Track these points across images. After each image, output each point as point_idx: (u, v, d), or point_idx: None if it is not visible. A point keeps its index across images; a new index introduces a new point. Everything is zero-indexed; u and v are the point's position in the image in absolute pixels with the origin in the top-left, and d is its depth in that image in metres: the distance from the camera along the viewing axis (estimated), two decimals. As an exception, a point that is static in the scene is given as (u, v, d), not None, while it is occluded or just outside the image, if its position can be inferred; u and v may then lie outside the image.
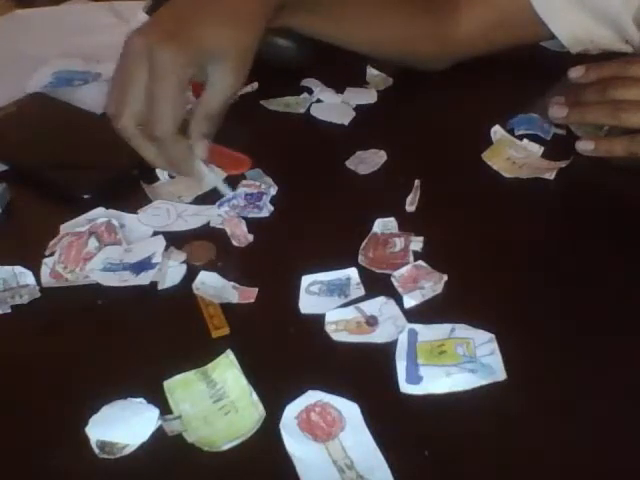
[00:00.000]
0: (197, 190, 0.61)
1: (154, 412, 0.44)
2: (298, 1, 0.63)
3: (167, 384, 0.46)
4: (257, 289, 0.53)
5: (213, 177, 0.59)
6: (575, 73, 0.66)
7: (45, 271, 0.54)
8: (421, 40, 0.75)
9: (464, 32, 0.76)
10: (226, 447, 0.43)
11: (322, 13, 0.67)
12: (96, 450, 0.43)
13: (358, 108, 0.74)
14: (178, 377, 0.46)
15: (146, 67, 0.52)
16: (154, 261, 0.54)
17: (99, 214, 0.59)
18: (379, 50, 0.75)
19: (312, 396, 0.45)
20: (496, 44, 0.78)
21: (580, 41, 0.78)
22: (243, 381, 0.46)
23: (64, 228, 0.58)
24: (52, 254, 0.55)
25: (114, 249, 0.55)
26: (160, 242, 0.56)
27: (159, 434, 0.43)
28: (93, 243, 0.55)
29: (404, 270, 0.54)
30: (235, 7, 0.56)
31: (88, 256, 0.55)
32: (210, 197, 0.61)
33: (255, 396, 0.45)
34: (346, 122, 0.72)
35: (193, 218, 0.59)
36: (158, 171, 0.62)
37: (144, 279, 0.52)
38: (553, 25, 0.76)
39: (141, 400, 0.45)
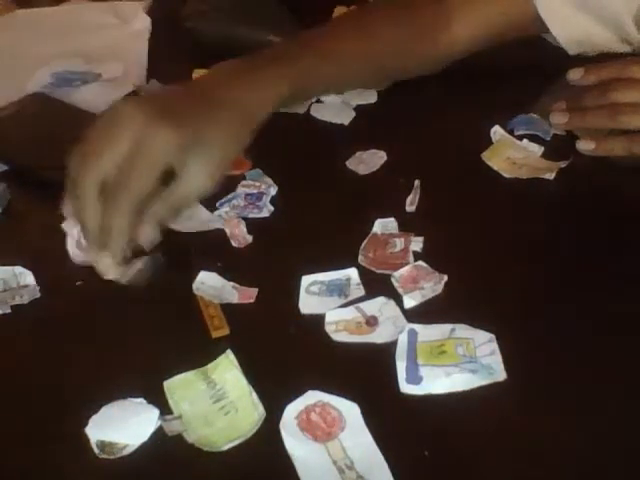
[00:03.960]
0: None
1: (154, 412, 0.44)
2: (298, 91, 0.60)
3: (167, 384, 0.46)
4: (257, 289, 0.53)
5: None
6: (575, 74, 0.66)
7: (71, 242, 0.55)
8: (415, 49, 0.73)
9: (458, 36, 0.75)
10: (226, 447, 0.43)
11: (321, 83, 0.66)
12: (96, 450, 0.43)
13: (358, 108, 0.74)
14: (178, 377, 0.46)
15: (133, 138, 0.48)
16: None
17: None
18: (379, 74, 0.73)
19: (312, 396, 0.45)
20: (490, 43, 0.78)
21: (579, 43, 0.78)
22: (243, 381, 0.46)
23: (65, 226, 0.58)
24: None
25: None
26: None
27: (159, 434, 0.43)
28: None
29: (404, 270, 0.54)
30: (234, 114, 0.54)
31: None
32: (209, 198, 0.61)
33: (255, 396, 0.45)
34: (346, 122, 0.72)
35: (192, 219, 0.60)
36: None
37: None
38: (553, 27, 0.76)
39: (141, 400, 0.45)
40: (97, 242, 0.49)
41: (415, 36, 0.71)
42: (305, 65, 0.60)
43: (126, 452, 0.43)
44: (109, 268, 0.50)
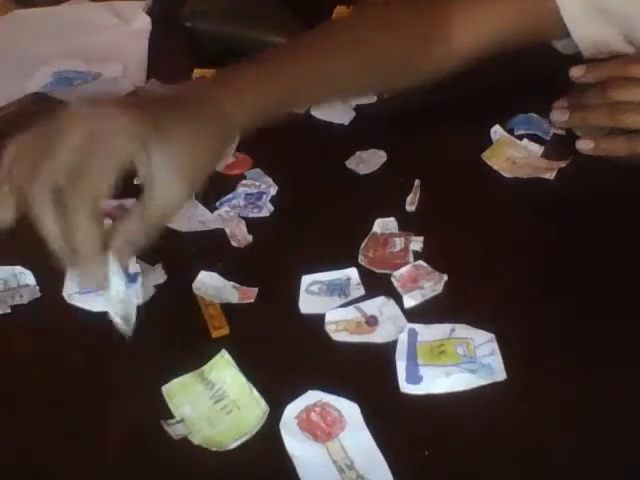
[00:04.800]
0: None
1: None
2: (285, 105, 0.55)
3: (166, 389, 0.46)
4: (257, 289, 0.53)
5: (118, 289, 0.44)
6: (576, 72, 0.66)
7: None
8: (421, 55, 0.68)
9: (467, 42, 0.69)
10: (233, 446, 0.43)
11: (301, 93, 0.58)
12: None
13: (358, 108, 0.74)
14: (176, 381, 0.46)
15: (84, 132, 0.42)
16: (132, 271, 0.50)
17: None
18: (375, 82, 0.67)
19: (312, 396, 0.45)
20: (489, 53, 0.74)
21: (596, 45, 0.76)
22: (242, 379, 0.46)
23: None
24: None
25: None
26: None
27: (165, 437, 0.43)
28: (107, 222, 0.56)
29: (404, 270, 0.54)
30: (208, 116, 0.47)
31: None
32: (209, 198, 0.61)
33: (256, 392, 0.45)
34: (346, 122, 0.72)
35: (192, 219, 0.60)
36: None
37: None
38: (575, 31, 0.74)
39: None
40: (70, 259, 0.43)
41: (410, 50, 0.66)
42: (294, 79, 0.55)
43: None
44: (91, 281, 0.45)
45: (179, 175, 0.44)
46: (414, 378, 0.46)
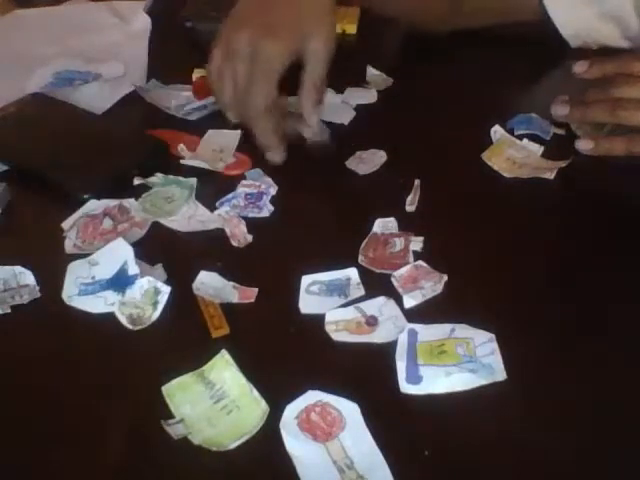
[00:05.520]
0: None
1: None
2: None
3: (166, 389, 0.46)
4: (257, 289, 0.53)
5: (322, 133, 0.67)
6: (579, 68, 0.66)
7: (69, 243, 0.57)
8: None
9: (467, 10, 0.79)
10: (233, 446, 0.43)
11: None
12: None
13: (358, 108, 0.74)
14: (176, 381, 0.46)
15: (249, 59, 0.61)
16: (131, 273, 0.52)
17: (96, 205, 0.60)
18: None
19: (312, 396, 0.45)
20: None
21: (580, 36, 0.79)
22: (242, 379, 0.46)
23: (66, 225, 0.58)
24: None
25: (77, 264, 0.54)
26: (123, 246, 0.54)
27: (165, 437, 0.43)
28: (108, 222, 0.57)
29: (404, 270, 0.54)
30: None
31: (105, 232, 0.57)
32: (209, 198, 0.61)
33: (256, 392, 0.45)
34: (346, 122, 0.72)
35: (192, 219, 0.60)
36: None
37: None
38: (556, 18, 0.77)
39: None
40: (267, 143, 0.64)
41: None
42: None
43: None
44: (275, 156, 0.64)
45: (324, 43, 0.63)
46: (414, 378, 0.46)
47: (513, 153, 0.67)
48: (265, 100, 0.61)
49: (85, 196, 0.61)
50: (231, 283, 0.54)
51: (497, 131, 0.70)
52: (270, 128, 0.63)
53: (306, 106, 0.64)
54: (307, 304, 0.52)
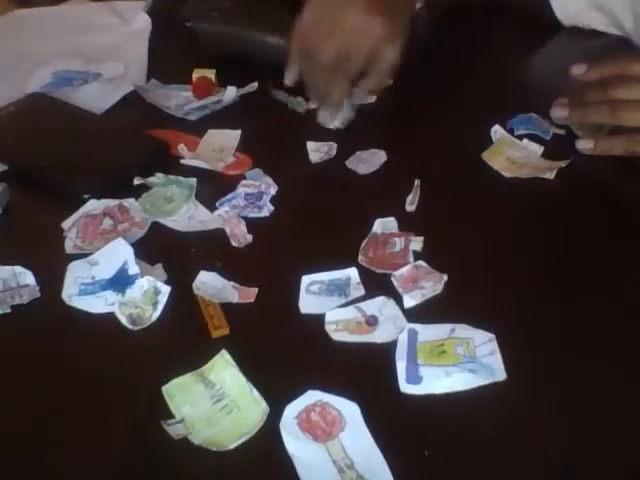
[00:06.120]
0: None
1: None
2: None
3: (166, 389, 0.46)
4: (257, 289, 0.53)
5: (348, 114, 0.71)
6: (577, 70, 0.67)
7: (69, 243, 0.57)
8: None
9: None
10: (233, 446, 0.43)
11: None
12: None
13: (358, 108, 0.74)
14: (176, 381, 0.46)
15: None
16: (131, 273, 0.53)
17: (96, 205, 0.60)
18: None
19: (312, 396, 0.45)
20: None
21: (572, 17, 0.83)
22: (242, 379, 0.46)
23: (66, 225, 0.58)
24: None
25: (77, 264, 0.54)
26: (123, 246, 0.54)
27: (165, 437, 0.43)
28: (108, 222, 0.58)
29: (404, 270, 0.54)
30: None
31: (105, 232, 0.57)
32: (209, 198, 0.61)
33: (256, 392, 0.45)
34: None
35: (192, 219, 0.60)
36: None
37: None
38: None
39: None
40: (321, 100, 0.70)
41: None
42: None
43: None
44: (327, 119, 0.70)
45: (396, 50, 0.66)
46: (414, 378, 0.46)
47: (513, 153, 0.67)
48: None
49: (85, 196, 0.61)
50: (231, 283, 0.54)
51: (497, 131, 0.70)
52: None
53: (361, 87, 0.69)
54: (307, 304, 0.52)
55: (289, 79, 0.70)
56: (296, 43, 0.67)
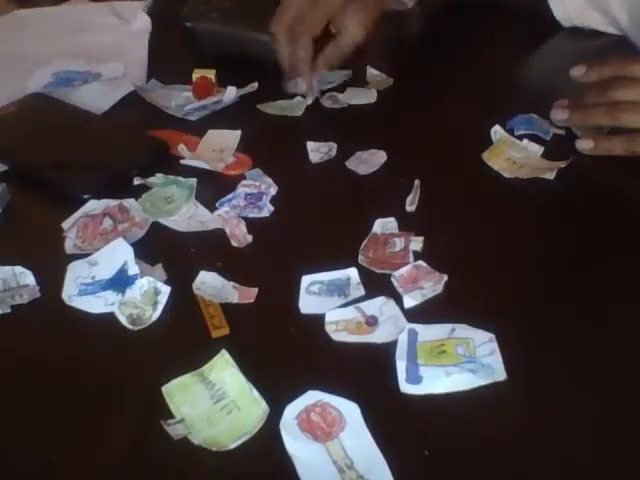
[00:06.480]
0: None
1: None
2: None
3: (166, 389, 0.46)
4: (257, 289, 0.53)
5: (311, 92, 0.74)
6: (577, 72, 0.67)
7: (69, 243, 0.57)
8: None
9: None
10: (233, 446, 0.43)
11: None
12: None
13: (358, 108, 0.74)
14: (176, 381, 0.46)
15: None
16: (131, 273, 0.52)
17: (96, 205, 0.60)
18: None
19: (312, 396, 0.45)
20: None
21: (570, 17, 0.84)
22: (242, 379, 0.46)
23: (66, 225, 0.58)
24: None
25: (77, 264, 0.54)
26: (123, 246, 0.54)
27: (165, 437, 0.43)
28: (108, 222, 0.57)
29: (404, 270, 0.54)
30: None
31: (105, 232, 0.57)
32: (209, 198, 0.61)
33: (256, 392, 0.45)
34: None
35: (192, 219, 0.60)
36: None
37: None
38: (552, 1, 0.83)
39: None
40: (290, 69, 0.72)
41: None
42: None
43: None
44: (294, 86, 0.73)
45: (362, 23, 0.71)
46: (414, 378, 0.46)
47: (513, 153, 0.67)
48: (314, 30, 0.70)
49: (85, 196, 0.61)
50: (231, 283, 0.54)
51: (497, 131, 0.70)
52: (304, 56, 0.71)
53: (320, 63, 0.72)
54: (307, 304, 0.52)
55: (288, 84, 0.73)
56: (277, 25, 0.72)
